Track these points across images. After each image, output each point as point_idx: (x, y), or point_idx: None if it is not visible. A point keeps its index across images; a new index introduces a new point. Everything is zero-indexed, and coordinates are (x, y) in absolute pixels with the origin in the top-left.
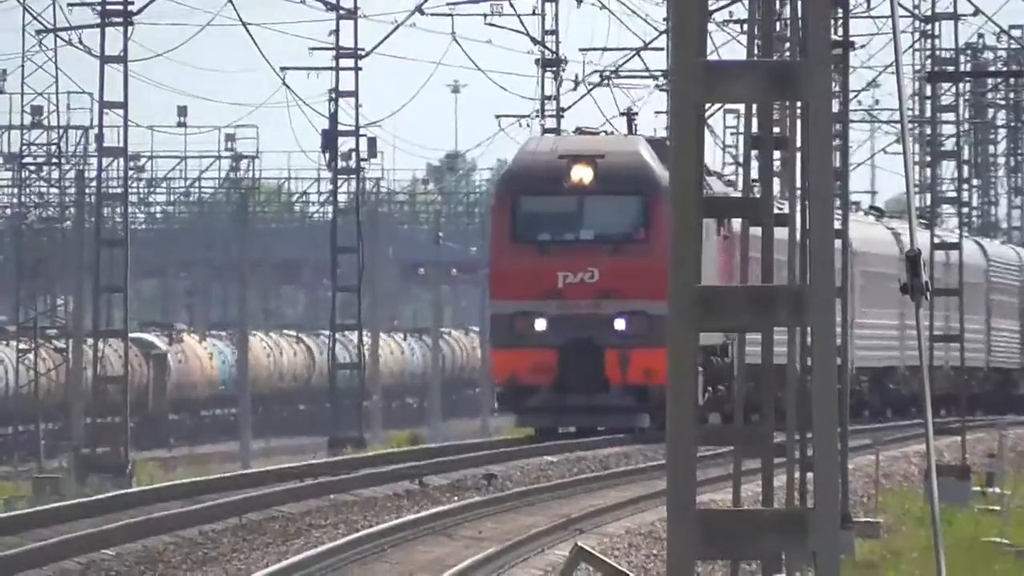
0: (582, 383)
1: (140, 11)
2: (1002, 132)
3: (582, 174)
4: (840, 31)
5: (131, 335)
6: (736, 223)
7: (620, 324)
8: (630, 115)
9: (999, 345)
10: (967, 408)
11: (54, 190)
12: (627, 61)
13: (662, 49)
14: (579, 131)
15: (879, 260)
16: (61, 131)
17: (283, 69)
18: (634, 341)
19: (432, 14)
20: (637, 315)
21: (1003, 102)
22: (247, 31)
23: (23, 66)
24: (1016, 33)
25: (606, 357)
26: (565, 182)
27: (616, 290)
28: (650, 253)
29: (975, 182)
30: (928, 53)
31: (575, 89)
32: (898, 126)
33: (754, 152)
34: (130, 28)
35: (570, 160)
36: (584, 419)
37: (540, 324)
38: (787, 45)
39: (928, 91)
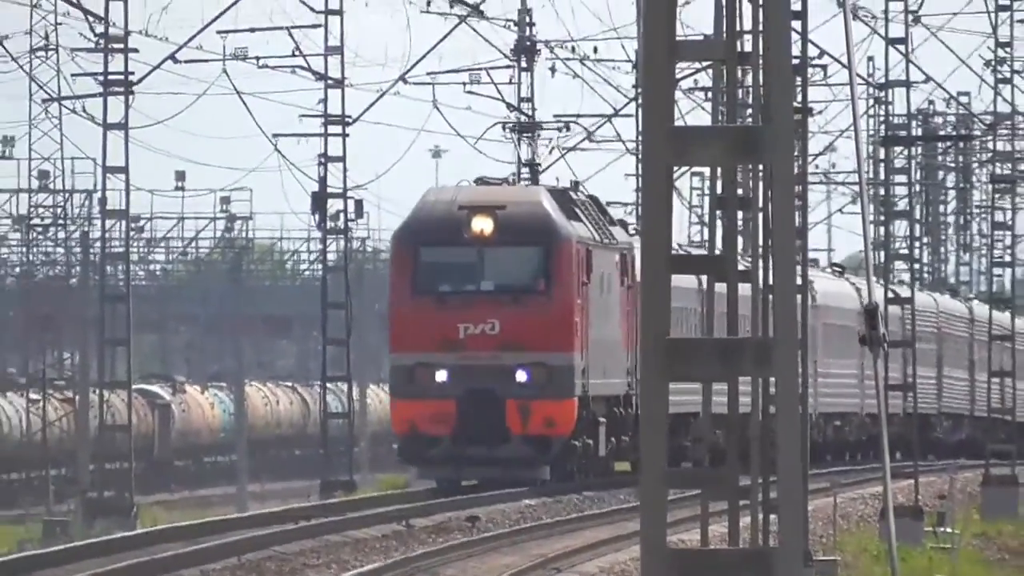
0: (482, 434)
1: (140, 81)
2: (951, 193)
3: (482, 225)
4: (799, 98)
5: (138, 386)
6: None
7: (521, 376)
8: (533, 165)
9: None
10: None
11: (60, 250)
12: (599, 127)
13: (632, 115)
14: (480, 181)
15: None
16: (66, 194)
17: (275, 135)
18: (535, 392)
19: (414, 83)
20: (538, 366)
21: (952, 164)
22: (241, 100)
23: (30, 133)
24: (964, 100)
25: (507, 408)
26: (465, 233)
27: (517, 342)
28: (551, 304)
29: (926, 240)
30: (882, 118)
31: (550, 153)
32: (854, 187)
33: (719, 212)
34: (131, 97)
35: (470, 211)
36: (484, 471)
37: (440, 375)
38: (749, 111)
39: (882, 154)
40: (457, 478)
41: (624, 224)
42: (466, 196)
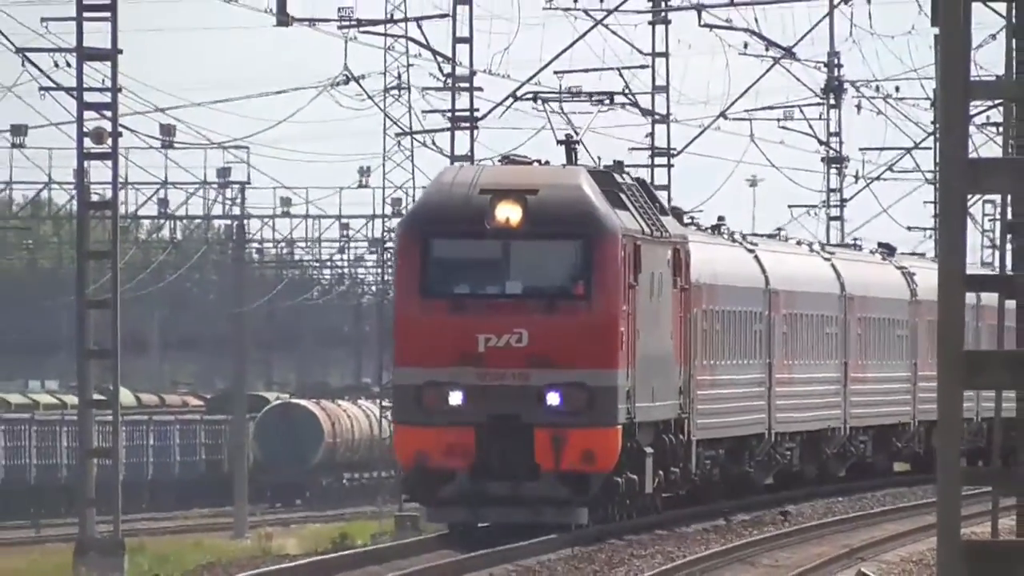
0: (506, 469)
1: (484, 116)
2: None
3: (509, 213)
4: None
5: None
6: (696, 274)
7: (554, 398)
8: (569, 143)
9: None
10: None
11: None
12: (900, 159)
13: (930, 148)
14: (507, 160)
15: None
16: None
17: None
18: (570, 419)
19: (734, 119)
20: (574, 387)
21: None
22: (575, 133)
23: (384, 164)
24: None
25: (536, 438)
26: (488, 222)
27: (549, 356)
28: (591, 312)
29: None
30: None
31: (856, 182)
32: None
33: (1009, 235)
34: (476, 131)
35: (494, 196)
36: (508, 513)
37: (455, 397)
38: None
39: None
40: (474, 521)
41: (678, 213)
42: (489, 178)
